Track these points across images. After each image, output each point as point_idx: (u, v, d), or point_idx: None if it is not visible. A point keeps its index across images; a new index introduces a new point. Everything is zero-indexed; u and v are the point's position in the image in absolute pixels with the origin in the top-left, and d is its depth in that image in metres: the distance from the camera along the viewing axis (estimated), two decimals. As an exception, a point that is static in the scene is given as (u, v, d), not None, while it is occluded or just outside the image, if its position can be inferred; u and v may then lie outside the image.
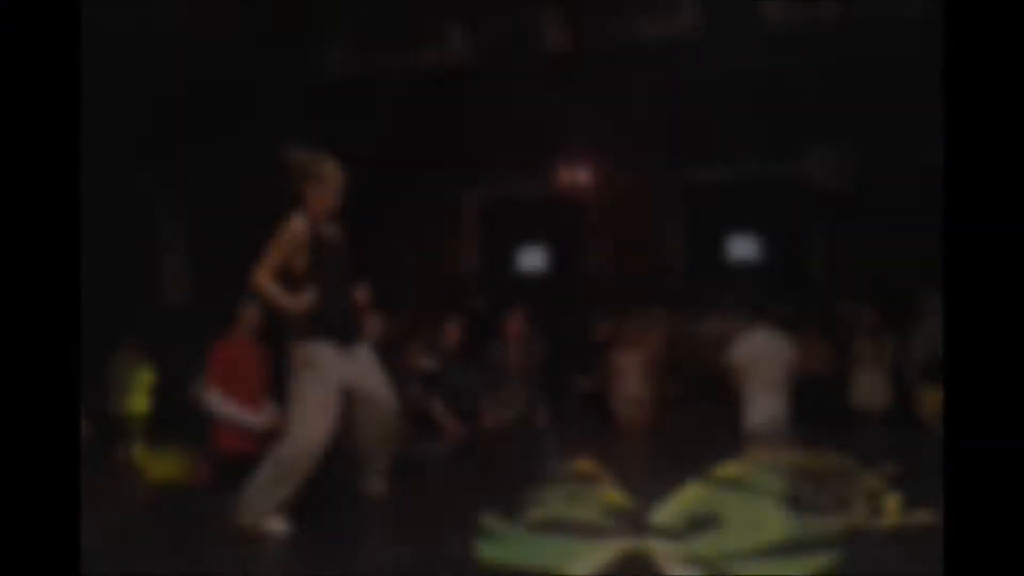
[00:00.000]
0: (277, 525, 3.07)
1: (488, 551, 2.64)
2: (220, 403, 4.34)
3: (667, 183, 10.62)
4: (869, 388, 6.44)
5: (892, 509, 3.01)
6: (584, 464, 4.11)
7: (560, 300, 10.42)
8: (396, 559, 2.68)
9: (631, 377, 6.73)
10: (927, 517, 2.85)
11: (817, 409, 6.67)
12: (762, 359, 6.06)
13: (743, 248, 10.98)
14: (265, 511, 3.07)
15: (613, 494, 3.43)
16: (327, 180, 3.27)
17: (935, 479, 3.55)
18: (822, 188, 9.37)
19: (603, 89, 9.59)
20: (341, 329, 3.22)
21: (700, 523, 2.91)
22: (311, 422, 3.09)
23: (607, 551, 2.58)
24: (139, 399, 7.86)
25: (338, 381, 3.17)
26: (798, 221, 10.44)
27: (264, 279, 3.16)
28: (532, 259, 11.54)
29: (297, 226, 3.18)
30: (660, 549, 2.60)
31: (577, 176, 9.99)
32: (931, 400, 6.20)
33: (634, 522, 2.96)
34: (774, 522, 2.91)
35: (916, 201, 9.46)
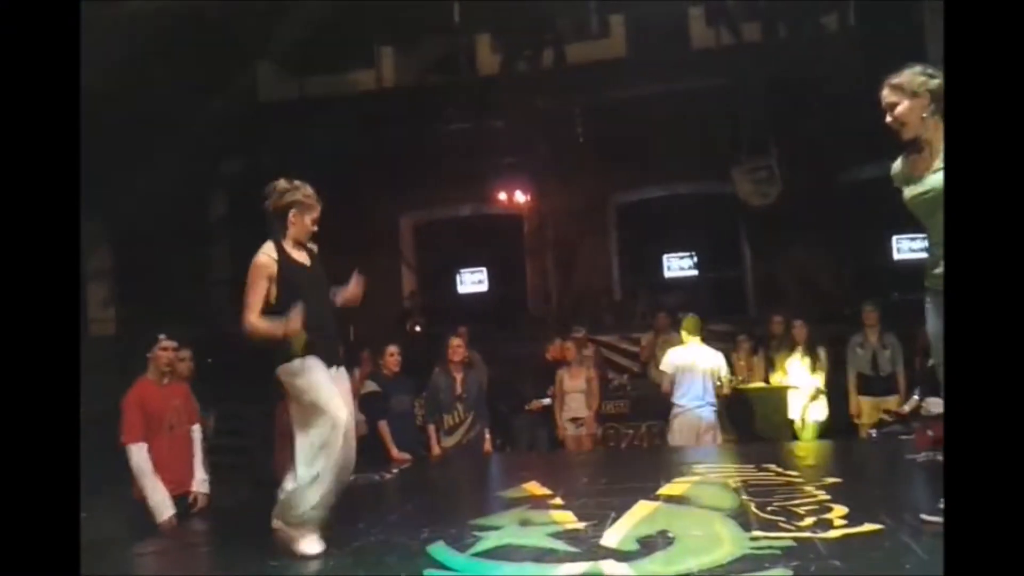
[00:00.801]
0: (310, 546, 2.97)
1: (441, 582, 2.58)
2: (143, 466, 3.99)
3: (600, 203, 10.78)
4: (805, 401, 6.58)
5: (838, 521, 3.06)
6: (534, 488, 4.08)
7: (501, 321, 10.42)
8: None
9: (574, 396, 6.74)
10: (872, 527, 2.91)
11: (756, 423, 6.81)
12: (688, 372, 6.12)
13: (678, 264, 11.21)
14: (304, 516, 2.98)
15: (564, 517, 3.40)
16: (309, 206, 3.26)
17: (875, 489, 3.66)
18: (751, 206, 9.62)
19: (535, 111, 9.68)
20: (323, 350, 3.16)
21: (652, 543, 2.91)
22: (332, 402, 3.03)
23: (563, 577, 2.55)
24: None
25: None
26: (730, 238, 10.73)
27: (256, 320, 3.10)
28: (471, 280, 11.53)
29: (263, 260, 3.15)
30: (615, 571, 2.58)
31: (513, 197, 10.02)
32: (867, 411, 6.39)
33: (587, 545, 2.93)
34: (725, 539, 2.92)
35: (843, 216, 9.85)
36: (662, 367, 6.17)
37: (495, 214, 10.77)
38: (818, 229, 9.51)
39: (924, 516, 2.84)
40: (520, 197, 10.07)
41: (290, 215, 3.23)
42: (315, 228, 3.31)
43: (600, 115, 9.65)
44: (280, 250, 3.20)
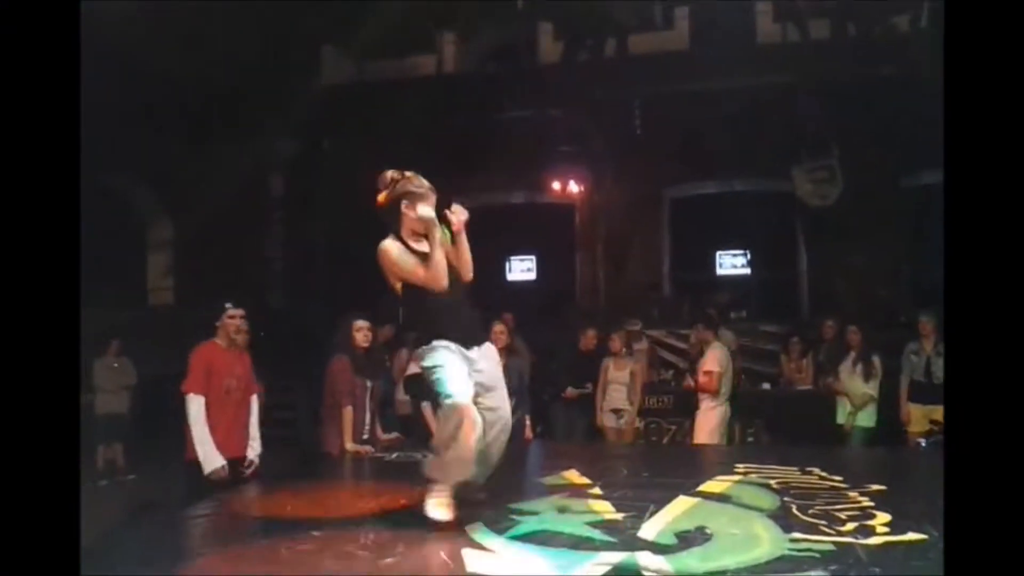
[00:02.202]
0: (439, 512, 3.03)
1: (478, 562, 2.61)
2: (198, 415, 4.16)
3: (654, 196, 10.68)
4: (854, 407, 6.46)
5: (880, 528, 3.01)
6: (573, 476, 4.09)
7: (548, 310, 10.42)
8: (389, 569, 2.64)
9: (616, 388, 6.74)
10: (915, 536, 2.86)
11: (803, 426, 6.71)
12: (725, 374, 6.17)
13: (731, 263, 11.06)
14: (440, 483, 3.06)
15: (603, 507, 3.41)
16: (422, 195, 3.24)
17: (922, 498, 3.59)
18: (810, 206, 9.44)
19: (594, 101, 9.63)
20: (461, 332, 3.21)
21: (690, 538, 2.90)
22: (454, 386, 3.07)
23: (598, 566, 2.56)
24: (118, 399, 7.76)
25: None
26: (785, 238, 10.53)
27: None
28: (520, 268, 11.55)
29: (391, 245, 3.17)
30: (651, 564, 2.58)
31: (567, 187, 10.00)
32: (917, 419, 6.24)
33: (624, 536, 2.93)
34: (764, 539, 2.90)
35: (903, 221, 9.59)
36: (707, 362, 6.20)
37: (548, 203, 10.76)
38: (877, 233, 9.28)
39: None
40: (574, 187, 10.05)
41: (402, 206, 3.21)
42: (431, 215, 3.23)
43: (659, 108, 9.56)
44: (400, 241, 3.19)
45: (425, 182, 3.26)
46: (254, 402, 4.54)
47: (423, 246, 3.22)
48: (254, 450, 4.45)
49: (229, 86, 8.82)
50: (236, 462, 4.30)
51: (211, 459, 4.13)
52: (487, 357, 3.33)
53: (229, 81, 8.76)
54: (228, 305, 4.39)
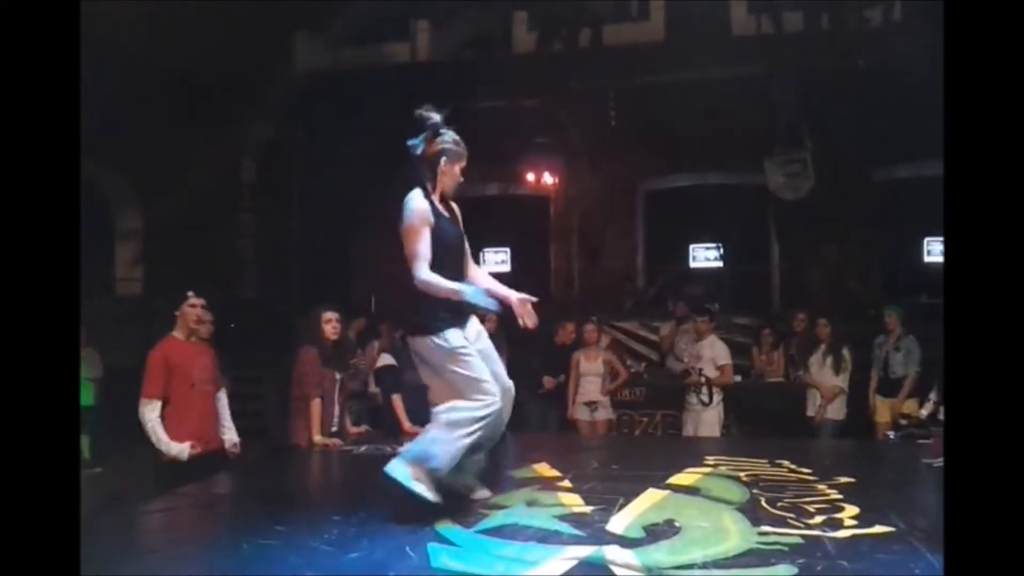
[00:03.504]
0: (426, 491, 2.96)
1: (444, 558, 2.58)
2: (155, 424, 4.07)
3: (629, 188, 10.67)
4: (824, 399, 6.50)
5: (848, 521, 3.02)
6: (544, 469, 4.07)
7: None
8: (347, 565, 2.60)
9: (590, 380, 6.73)
10: (882, 529, 2.87)
11: (774, 418, 6.75)
12: (706, 365, 6.22)
13: (704, 255, 11.10)
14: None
15: (572, 500, 3.39)
16: (459, 155, 3.11)
17: (890, 491, 3.61)
18: (782, 199, 9.48)
19: (569, 92, 9.58)
20: (461, 313, 3.08)
21: (658, 531, 2.89)
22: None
23: (566, 559, 2.54)
24: (84, 392, 7.61)
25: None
26: (758, 231, 10.59)
27: (429, 275, 2.96)
28: (494, 260, 11.50)
29: (422, 204, 3.00)
30: (619, 557, 2.56)
31: (541, 179, 9.96)
32: (885, 412, 6.31)
33: (593, 529, 2.92)
34: (732, 532, 2.89)
35: (875, 216, 9.68)
36: (684, 354, 6.26)
37: (522, 194, 10.71)
38: (848, 227, 9.36)
39: None
40: (548, 178, 10.01)
41: (441, 163, 3.06)
42: (462, 179, 3.14)
43: (634, 99, 9.53)
44: (430, 200, 3.04)
45: (460, 140, 3.13)
46: (222, 394, 4.49)
47: (448, 214, 3.10)
48: (230, 444, 4.44)
49: (201, 72, 8.66)
50: (211, 455, 4.23)
51: (174, 449, 4.07)
52: (478, 329, 3.26)
53: (201, 67, 8.60)
54: (189, 293, 4.29)
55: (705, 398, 6.31)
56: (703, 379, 6.35)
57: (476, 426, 3.01)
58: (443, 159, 3.06)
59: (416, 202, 3.00)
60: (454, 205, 3.20)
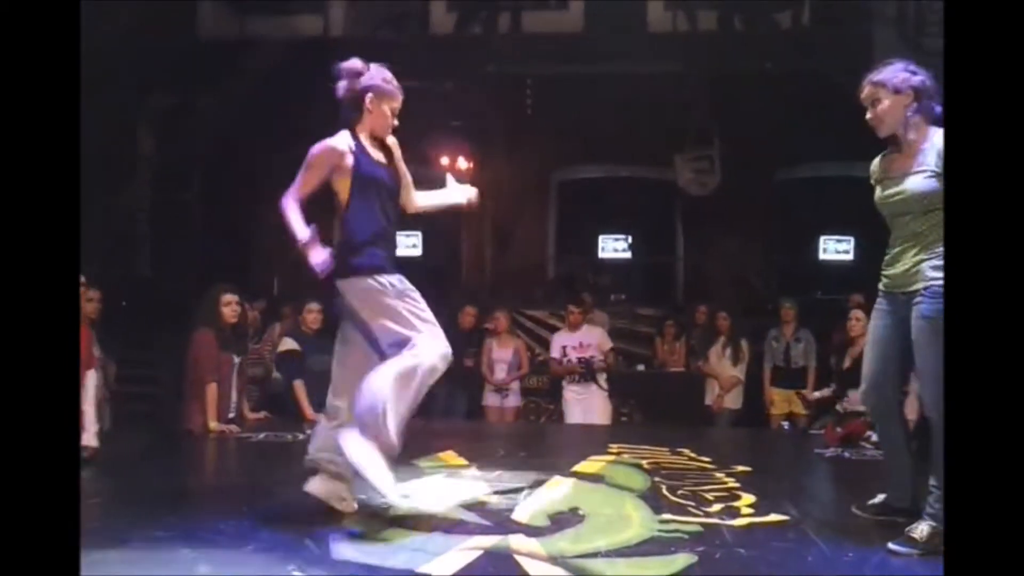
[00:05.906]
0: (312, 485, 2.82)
1: (346, 549, 2.51)
2: None
3: (542, 177, 10.71)
4: (722, 389, 6.71)
5: (745, 509, 3.11)
6: (450, 457, 4.03)
7: (433, 288, 10.26)
8: (243, 558, 2.49)
9: (500, 367, 6.72)
10: (777, 517, 2.97)
11: (675, 406, 6.93)
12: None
13: (612, 246, 11.27)
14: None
15: (478, 488, 3.37)
16: (390, 94, 2.88)
17: (784, 480, 3.74)
18: (689, 195, 9.73)
19: (486, 76, 9.51)
20: (388, 264, 2.87)
21: (563, 520, 2.90)
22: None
23: (470, 549, 2.51)
24: None
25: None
26: (665, 225, 10.84)
27: (292, 204, 2.76)
28: (405, 244, 11.33)
29: (334, 144, 2.79)
30: (523, 546, 2.56)
31: (456, 163, 9.85)
32: (779, 403, 6.57)
33: (499, 519, 2.90)
34: (634, 520, 2.94)
35: (776, 213, 10.06)
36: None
37: (436, 179, 10.58)
38: (750, 224, 9.68)
39: (855, 509, 2.92)
40: (462, 163, 9.90)
41: (366, 101, 2.85)
42: (395, 122, 2.92)
43: (551, 88, 9.56)
44: (356, 141, 2.83)
45: (392, 78, 2.91)
46: (90, 379, 3.92)
47: (380, 155, 2.91)
48: (90, 437, 3.78)
49: (97, 34, 8.13)
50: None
51: None
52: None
53: (97, 29, 8.07)
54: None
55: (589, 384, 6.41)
56: (582, 368, 6.39)
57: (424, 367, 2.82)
58: (369, 96, 2.87)
59: (328, 141, 2.83)
60: (392, 143, 3.00)
